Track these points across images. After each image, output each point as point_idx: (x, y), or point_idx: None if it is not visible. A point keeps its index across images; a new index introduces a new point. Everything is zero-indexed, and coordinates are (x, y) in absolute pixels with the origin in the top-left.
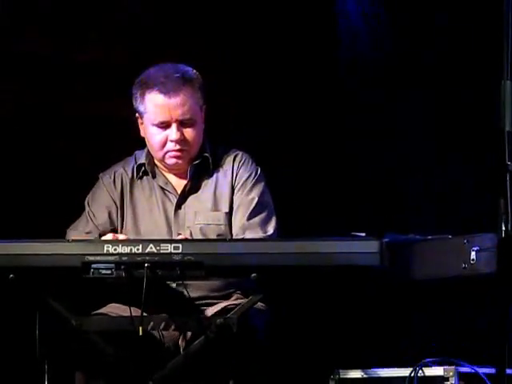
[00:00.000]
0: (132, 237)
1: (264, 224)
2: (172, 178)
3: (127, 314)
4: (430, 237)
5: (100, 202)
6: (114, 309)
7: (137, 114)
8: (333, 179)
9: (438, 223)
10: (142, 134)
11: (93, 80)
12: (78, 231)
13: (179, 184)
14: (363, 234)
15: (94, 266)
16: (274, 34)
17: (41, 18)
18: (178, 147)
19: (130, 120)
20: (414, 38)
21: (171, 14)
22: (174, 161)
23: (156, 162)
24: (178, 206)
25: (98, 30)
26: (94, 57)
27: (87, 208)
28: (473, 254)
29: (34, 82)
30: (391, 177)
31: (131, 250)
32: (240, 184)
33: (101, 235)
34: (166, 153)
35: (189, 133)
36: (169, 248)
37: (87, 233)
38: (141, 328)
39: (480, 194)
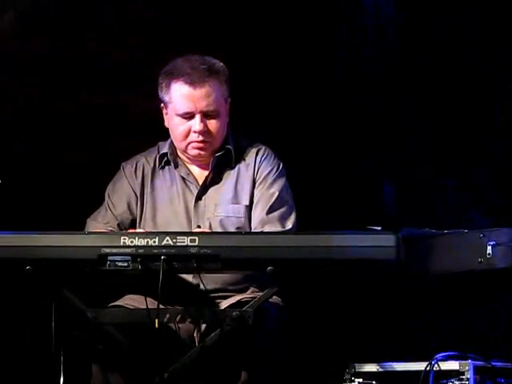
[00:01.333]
0: (151, 226)
1: (283, 219)
2: (194, 168)
3: (143, 306)
4: (446, 231)
5: (120, 191)
6: (131, 301)
7: (162, 104)
8: (336, 176)
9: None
10: (166, 124)
11: (99, 76)
12: (96, 221)
13: (201, 175)
14: (379, 228)
15: (110, 258)
16: (274, 33)
17: (43, 16)
18: (201, 138)
19: (138, 115)
20: (423, 38)
21: (173, 13)
22: (196, 152)
23: (179, 152)
24: (199, 197)
25: (99, 27)
26: (96, 53)
27: (107, 198)
28: (489, 249)
29: (41, 79)
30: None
31: (147, 242)
32: (261, 178)
33: (119, 225)
34: (188, 143)
35: (212, 124)
36: (185, 241)
37: (106, 223)
38: (157, 320)
39: (495, 189)
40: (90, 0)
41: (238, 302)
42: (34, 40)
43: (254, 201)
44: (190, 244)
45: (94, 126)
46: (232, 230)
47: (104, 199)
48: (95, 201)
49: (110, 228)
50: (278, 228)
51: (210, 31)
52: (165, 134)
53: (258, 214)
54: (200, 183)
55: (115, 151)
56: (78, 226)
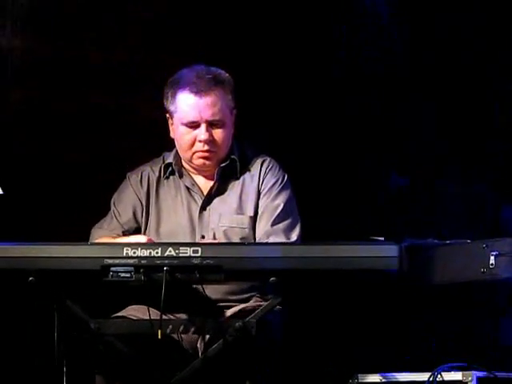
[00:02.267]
0: (155, 236)
1: (288, 230)
2: (199, 179)
3: (147, 316)
4: (448, 241)
5: (126, 200)
6: (134, 312)
7: (167, 115)
8: (335, 182)
9: (461, 229)
10: (172, 135)
11: (99, 77)
12: (102, 229)
13: (206, 185)
14: (382, 239)
15: (113, 269)
16: (274, 33)
17: (55, 18)
18: (206, 148)
19: (139, 115)
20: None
21: (173, 13)
22: (201, 161)
23: (183, 162)
24: (203, 208)
25: (100, 27)
26: (95, 53)
27: (112, 207)
28: (492, 259)
29: (40, 80)
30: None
31: (150, 253)
32: (266, 190)
33: (124, 234)
34: (194, 153)
35: (218, 134)
36: (188, 251)
37: (111, 230)
38: (159, 331)
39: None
40: (89, 0)
41: (241, 310)
42: (35, 41)
43: (259, 212)
44: (192, 255)
45: (94, 126)
46: (236, 240)
47: (101, 209)
48: (95, 201)
49: (115, 235)
50: (282, 239)
51: (209, 31)
52: (166, 133)
53: (263, 225)
54: (205, 193)
55: (115, 151)
56: (78, 227)
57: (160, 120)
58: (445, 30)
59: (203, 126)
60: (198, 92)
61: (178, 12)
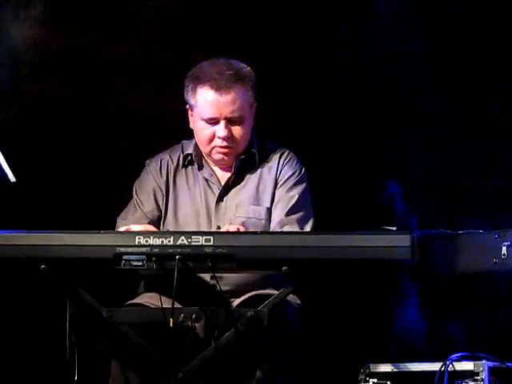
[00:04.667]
0: (172, 224)
1: (302, 222)
2: (217, 170)
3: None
4: (460, 231)
5: (147, 188)
6: (149, 299)
7: (187, 106)
8: (338, 177)
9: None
10: (191, 125)
11: (100, 76)
12: (127, 220)
13: (224, 176)
14: (394, 228)
15: (125, 257)
16: (274, 33)
17: (69, 13)
18: (224, 144)
19: (140, 115)
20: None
21: (173, 13)
22: (220, 156)
23: (203, 153)
24: (220, 198)
25: (100, 26)
26: (96, 52)
27: (135, 196)
28: (504, 249)
29: (64, 76)
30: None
31: (162, 241)
32: (283, 181)
33: (149, 223)
34: (212, 148)
35: (237, 130)
36: (200, 240)
37: (136, 220)
38: (171, 320)
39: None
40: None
41: (254, 295)
42: (37, 40)
43: (274, 202)
44: (204, 244)
45: (94, 125)
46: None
47: (101, 208)
48: (95, 201)
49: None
50: (296, 229)
51: (210, 31)
52: (166, 133)
53: (277, 215)
54: (222, 184)
55: (115, 151)
56: (79, 227)
57: (161, 119)
58: (445, 30)
59: (222, 123)
60: (218, 89)
61: (179, 9)
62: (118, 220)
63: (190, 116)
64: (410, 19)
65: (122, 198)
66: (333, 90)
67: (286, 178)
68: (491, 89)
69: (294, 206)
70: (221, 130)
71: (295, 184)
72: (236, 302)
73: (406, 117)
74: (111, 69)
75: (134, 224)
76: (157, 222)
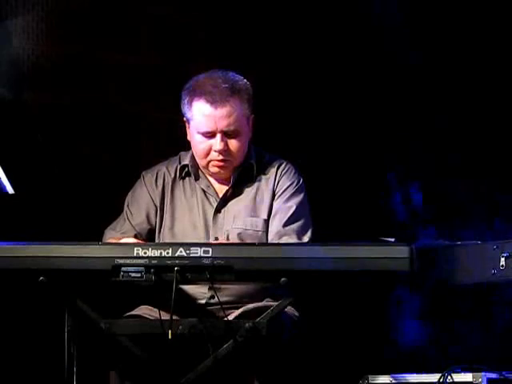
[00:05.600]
0: (169, 236)
1: (300, 232)
2: (215, 181)
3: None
4: (459, 242)
5: (139, 201)
6: (148, 310)
7: (184, 118)
8: (341, 184)
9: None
10: (189, 137)
11: (122, 81)
12: (114, 231)
13: (221, 188)
14: (393, 240)
15: (123, 269)
16: (274, 32)
17: (72, 18)
18: (221, 157)
19: (158, 121)
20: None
21: (183, 12)
22: (216, 170)
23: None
24: (218, 210)
25: (127, 31)
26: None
27: (126, 208)
28: (502, 260)
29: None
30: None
31: (161, 253)
32: (280, 192)
33: (136, 236)
34: (209, 161)
35: (233, 144)
36: (198, 252)
37: (123, 233)
38: (170, 331)
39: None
40: (96, 3)
41: (253, 308)
42: (46, 43)
43: (272, 213)
44: (203, 255)
45: (93, 133)
46: None
47: (111, 210)
48: (94, 212)
49: (125, 239)
50: (294, 240)
51: (217, 36)
52: (167, 142)
53: (276, 226)
54: (220, 196)
55: (117, 160)
56: (77, 238)
57: (162, 127)
58: (445, 30)
59: (218, 136)
60: (213, 103)
61: (188, 15)
62: (106, 230)
63: (187, 128)
64: (410, 19)
65: (121, 210)
66: (333, 98)
67: (283, 188)
68: (491, 89)
69: (291, 216)
70: (217, 143)
71: (293, 194)
72: (234, 314)
73: (406, 124)
74: (111, 76)
75: (121, 235)
76: (146, 234)
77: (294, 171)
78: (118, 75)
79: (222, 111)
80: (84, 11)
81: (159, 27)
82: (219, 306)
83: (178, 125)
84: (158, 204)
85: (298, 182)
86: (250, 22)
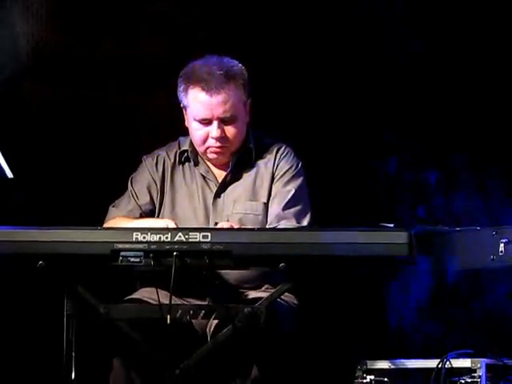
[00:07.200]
0: None
1: (299, 216)
2: (214, 166)
3: (160, 298)
4: (458, 228)
5: (142, 182)
6: (147, 293)
7: (181, 105)
8: (341, 171)
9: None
10: (186, 123)
11: (123, 72)
12: (119, 209)
13: (220, 173)
14: (392, 225)
15: (122, 253)
16: (273, 32)
17: (72, 10)
18: (218, 144)
19: (159, 111)
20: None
21: (183, 8)
22: (214, 156)
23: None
24: (218, 195)
25: (128, 22)
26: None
27: (130, 187)
28: (501, 246)
29: (65, 75)
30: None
31: (160, 238)
32: (279, 175)
33: (142, 215)
34: (207, 148)
35: (230, 130)
36: (198, 237)
37: (129, 211)
38: (169, 316)
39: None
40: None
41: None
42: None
43: (271, 196)
44: (202, 240)
45: (92, 123)
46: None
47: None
48: (93, 197)
49: (131, 216)
50: (293, 224)
51: (217, 28)
52: (166, 130)
53: (274, 209)
54: (219, 181)
55: (115, 147)
56: (76, 223)
57: (160, 116)
58: (445, 30)
59: (215, 123)
60: (208, 90)
61: (188, 7)
62: (110, 208)
63: (185, 115)
64: (410, 19)
65: (120, 195)
66: (331, 83)
67: (282, 172)
68: (492, 87)
69: (290, 200)
70: (214, 130)
71: (292, 178)
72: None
73: (404, 110)
74: (110, 68)
75: (126, 214)
76: (149, 215)
77: (292, 154)
78: (117, 69)
79: (218, 98)
80: (84, 8)
81: (159, 27)
82: (220, 291)
83: (178, 119)
84: (158, 187)
85: (297, 165)
86: (249, 21)
